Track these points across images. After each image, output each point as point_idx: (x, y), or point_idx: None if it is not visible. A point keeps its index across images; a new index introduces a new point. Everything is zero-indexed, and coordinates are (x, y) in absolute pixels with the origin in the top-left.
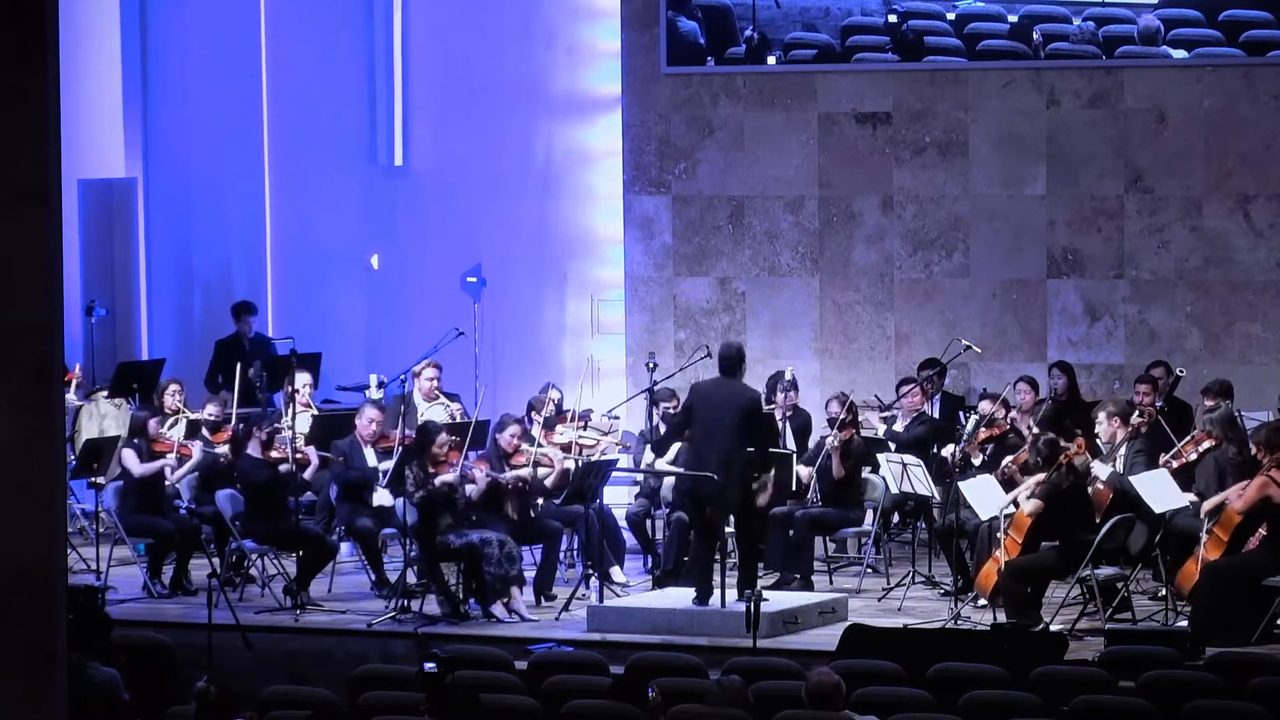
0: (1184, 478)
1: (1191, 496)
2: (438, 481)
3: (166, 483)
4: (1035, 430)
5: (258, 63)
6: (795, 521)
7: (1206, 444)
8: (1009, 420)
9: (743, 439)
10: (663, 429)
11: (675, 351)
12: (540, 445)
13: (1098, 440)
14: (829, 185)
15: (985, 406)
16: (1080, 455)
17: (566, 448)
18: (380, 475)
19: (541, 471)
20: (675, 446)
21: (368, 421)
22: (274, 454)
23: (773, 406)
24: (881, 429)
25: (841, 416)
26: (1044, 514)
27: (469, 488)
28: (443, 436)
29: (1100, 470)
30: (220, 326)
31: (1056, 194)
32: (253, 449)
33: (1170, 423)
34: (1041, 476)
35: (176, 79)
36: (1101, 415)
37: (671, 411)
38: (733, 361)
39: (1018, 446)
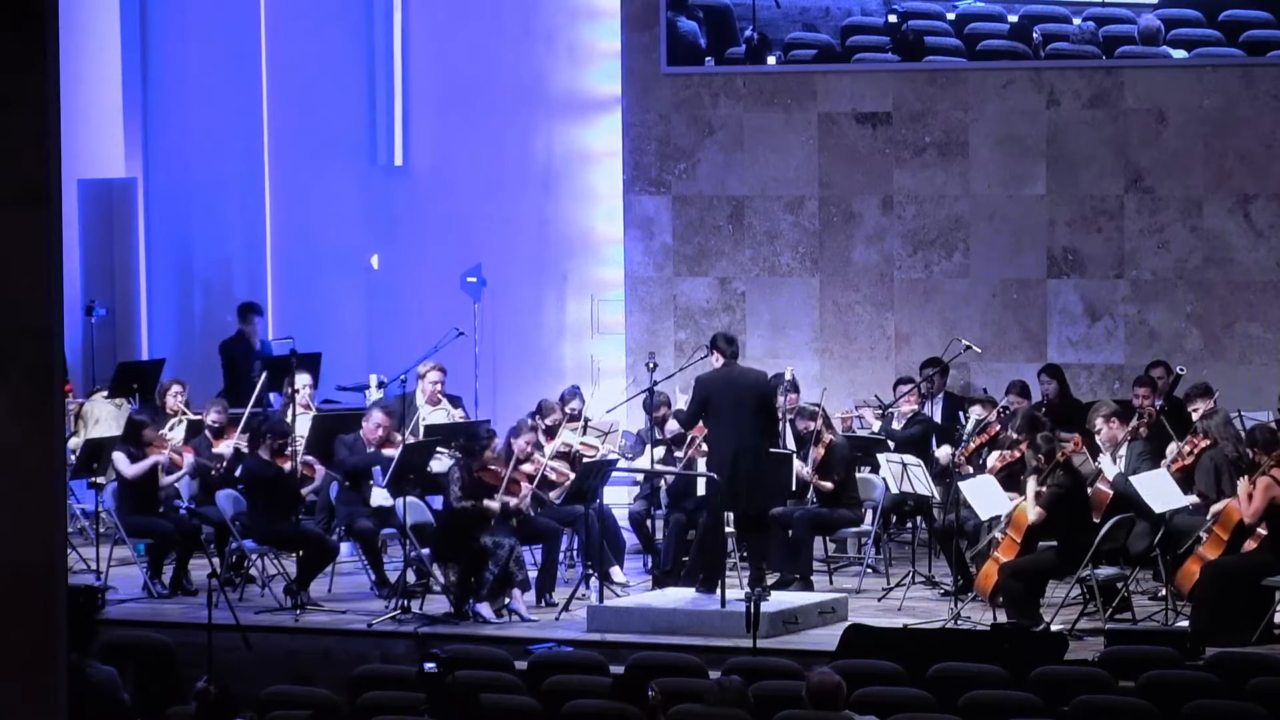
0: (1185, 482)
1: (1192, 498)
2: (485, 504)
3: (160, 485)
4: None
5: (258, 63)
6: (795, 521)
7: (1203, 444)
8: (1000, 418)
9: (762, 426)
10: (659, 432)
11: (675, 352)
12: (545, 453)
13: (1096, 442)
14: (829, 185)
15: (977, 411)
16: (1079, 453)
17: (568, 455)
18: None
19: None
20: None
21: (374, 426)
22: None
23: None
24: (878, 424)
25: (814, 429)
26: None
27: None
28: (490, 455)
29: (1107, 470)
30: (220, 327)
31: (1056, 194)
32: (262, 453)
33: (1171, 421)
34: (1034, 487)
35: (176, 79)
36: (1099, 420)
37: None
38: (736, 346)
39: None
